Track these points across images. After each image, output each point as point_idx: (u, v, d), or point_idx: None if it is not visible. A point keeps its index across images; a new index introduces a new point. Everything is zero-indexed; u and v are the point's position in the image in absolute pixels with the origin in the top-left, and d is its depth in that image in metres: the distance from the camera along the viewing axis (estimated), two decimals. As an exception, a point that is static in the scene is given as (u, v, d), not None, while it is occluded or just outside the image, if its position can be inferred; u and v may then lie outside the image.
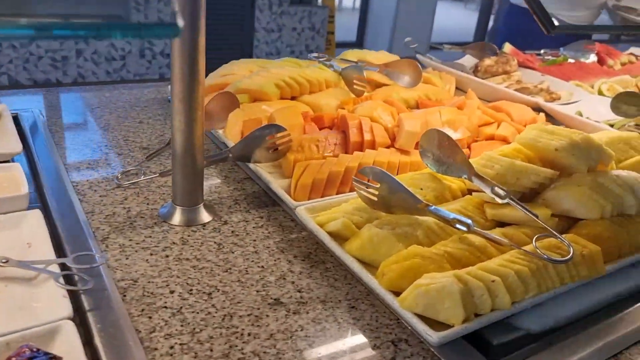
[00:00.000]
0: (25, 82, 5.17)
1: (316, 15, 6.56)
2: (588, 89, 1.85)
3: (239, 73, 1.40)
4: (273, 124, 1.07)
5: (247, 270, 0.85)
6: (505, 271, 0.75)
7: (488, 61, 1.86)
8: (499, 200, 0.88)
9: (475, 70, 1.86)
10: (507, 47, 1.96)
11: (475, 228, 0.81)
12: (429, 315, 0.71)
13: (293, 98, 1.41)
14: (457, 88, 1.80)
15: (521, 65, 1.98)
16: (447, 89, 1.71)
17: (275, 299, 0.79)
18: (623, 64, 2.26)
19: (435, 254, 0.78)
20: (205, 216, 0.98)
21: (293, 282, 0.83)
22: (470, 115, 1.32)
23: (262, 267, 0.86)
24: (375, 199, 0.87)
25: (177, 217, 0.97)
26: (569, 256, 0.78)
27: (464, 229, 0.81)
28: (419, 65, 1.53)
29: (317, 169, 1.02)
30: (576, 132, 0.97)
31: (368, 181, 0.88)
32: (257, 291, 0.80)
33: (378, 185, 0.87)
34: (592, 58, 2.15)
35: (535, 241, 0.80)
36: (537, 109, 1.58)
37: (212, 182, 1.12)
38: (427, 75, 1.69)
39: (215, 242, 0.91)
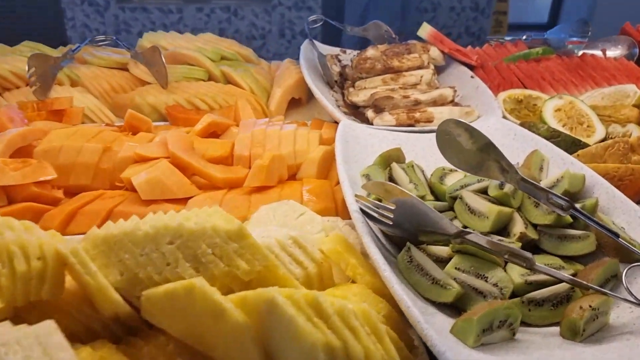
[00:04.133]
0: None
1: (480, -9, 5.60)
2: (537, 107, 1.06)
3: None
4: None
5: None
6: None
7: (371, 51, 1.18)
8: None
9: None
10: (425, 29, 1.22)
11: None
12: None
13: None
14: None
15: (455, 58, 1.23)
16: (273, 93, 1.14)
17: None
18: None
19: None
20: None
21: None
22: (113, 141, 0.81)
23: None
24: None
25: None
26: None
27: None
28: (162, 59, 1.02)
29: None
30: None
31: None
32: None
33: None
34: (615, 51, 1.25)
35: None
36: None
37: None
38: (227, 71, 1.14)
39: None
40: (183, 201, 0.78)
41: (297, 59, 1.24)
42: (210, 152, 0.85)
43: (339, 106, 1.14)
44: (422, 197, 0.81)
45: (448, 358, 0.49)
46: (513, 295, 0.63)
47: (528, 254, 0.60)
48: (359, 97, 1.13)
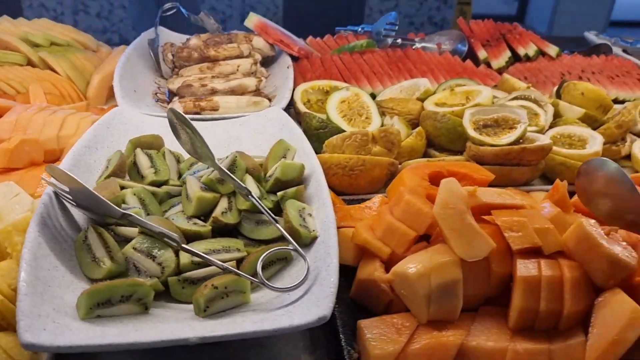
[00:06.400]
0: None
1: (444, -20, 5.59)
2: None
3: None
4: None
5: None
6: None
7: (193, 40, 1.23)
8: None
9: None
10: (251, 19, 1.26)
11: None
12: None
13: None
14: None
15: (280, 48, 1.27)
16: (92, 80, 1.18)
17: None
18: (529, 59, 1.33)
19: None
20: None
21: None
22: None
23: None
24: None
25: None
26: None
27: None
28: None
29: None
30: None
31: None
32: None
33: None
34: (447, 46, 1.29)
35: None
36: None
37: None
38: (44, 56, 1.18)
39: None
40: None
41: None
42: (-31, 135, 0.89)
43: (157, 94, 1.19)
44: (164, 182, 0.86)
45: (27, 339, 0.53)
46: (179, 273, 0.69)
47: (174, 236, 0.66)
48: (174, 85, 1.17)
